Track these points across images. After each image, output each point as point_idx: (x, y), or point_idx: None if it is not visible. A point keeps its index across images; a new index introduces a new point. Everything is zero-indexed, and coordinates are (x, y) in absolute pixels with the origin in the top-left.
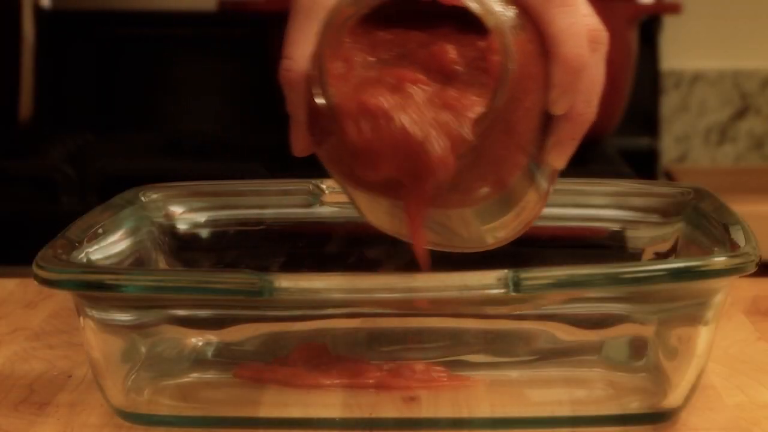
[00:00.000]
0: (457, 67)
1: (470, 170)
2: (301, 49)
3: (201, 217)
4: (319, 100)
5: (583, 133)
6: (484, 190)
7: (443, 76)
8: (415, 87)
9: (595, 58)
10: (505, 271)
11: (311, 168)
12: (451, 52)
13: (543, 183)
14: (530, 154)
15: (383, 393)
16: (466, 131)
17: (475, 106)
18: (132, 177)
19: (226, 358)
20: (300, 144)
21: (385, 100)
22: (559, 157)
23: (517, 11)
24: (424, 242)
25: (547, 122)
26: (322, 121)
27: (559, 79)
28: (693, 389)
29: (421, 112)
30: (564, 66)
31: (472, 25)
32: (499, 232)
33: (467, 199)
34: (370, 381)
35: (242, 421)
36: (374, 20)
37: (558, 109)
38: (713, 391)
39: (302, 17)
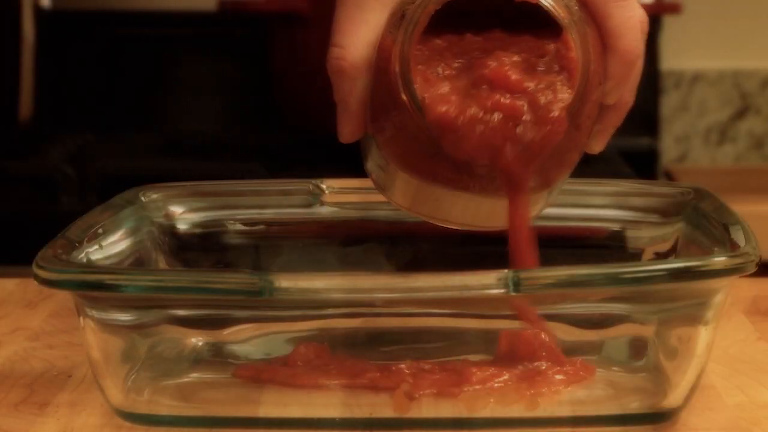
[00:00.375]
0: (528, 85)
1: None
2: (352, 38)
3: (201, 217)
4: (403, 96)
5: (623, 119)
6: (550, 178)
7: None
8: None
9: (643, 47)
10: (505, 271)
11: (311, 168)
12: (514, 73)
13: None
14: (585, 145)
15: (383, 393)
16: (559, 123)
17: (557, 104)
18: (132, 177)
19: (226, 358)
20: (347, 130)
21: (480, 97)
22: (601, 144)
23: (579, 5)
24: (529, 228)
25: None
26: (389, 111)
27: (615, 71)
28: (693, 389)
29: (515, 108)
30: (622, 59)
31: (523, 19)
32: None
33: (539, 187)
34: (370, 381)
35: (242, 421)
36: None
37: (611, 100)
38: (713, 391)
39: (352, 6)
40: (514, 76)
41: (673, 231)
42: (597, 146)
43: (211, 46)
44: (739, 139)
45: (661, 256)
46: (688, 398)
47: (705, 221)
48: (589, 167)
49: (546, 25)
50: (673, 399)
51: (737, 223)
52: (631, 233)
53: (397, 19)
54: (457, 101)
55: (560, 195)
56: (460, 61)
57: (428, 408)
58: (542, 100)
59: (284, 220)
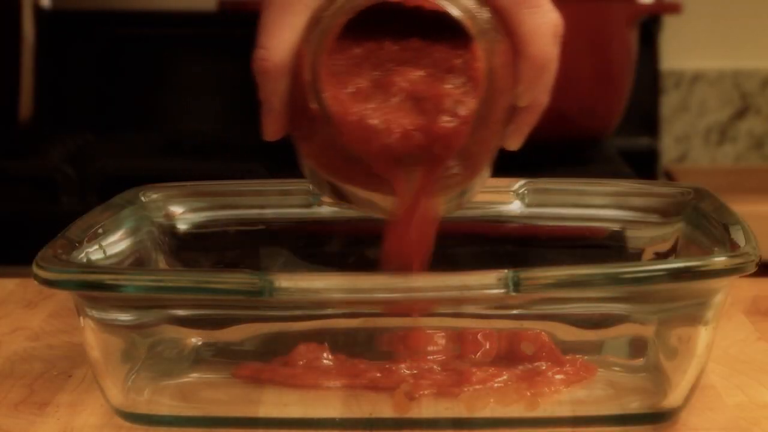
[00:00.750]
0: (430, 98)
1: (453, 165)
2: (275, 40)
3: (201, 217)
4: (313, 105)
5: (538, 118)
6: (461, 179)
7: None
8: (408, 97)
9: (555, 50)
10: (505, 271)
11: None
12: (406, 123)
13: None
14: (498, 144)
15: (383, 393)
16: (457, 132)
17: (462, 109)
18: (132, 177)
19: (226, 358)
20: (271, 129)
21: (386, 111)
22: (516, 142)
23: (490, 13)
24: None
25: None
26: (305, 116)
27: (526, 75)
28: (693, 389)
29: (417, 116)
30: (533, 64)
31: (442, 23)
32: (449, 204)
33: (450, 186)
34: (370, 381)
35: (242, 421)
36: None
37: (524, 102)
38: (713, 391)
39: (278, 9)
40: (406, 122)
41: (673, 231)
42: (513, 144)
43: (211, 46)
44: (739, 139)
45: (661, 256)
46: (688, 398)
47: (705, 221)
48: (589, 167)
49: (460, 31)
50: (673, 399)
51: (737, 223)
52: (631, 233)
53: (313, 25)
54: (365, 115)
55: (560, 195)
56: (375, 73)
57: (428, 408)
58: (442, 119)
59: (284, 220)
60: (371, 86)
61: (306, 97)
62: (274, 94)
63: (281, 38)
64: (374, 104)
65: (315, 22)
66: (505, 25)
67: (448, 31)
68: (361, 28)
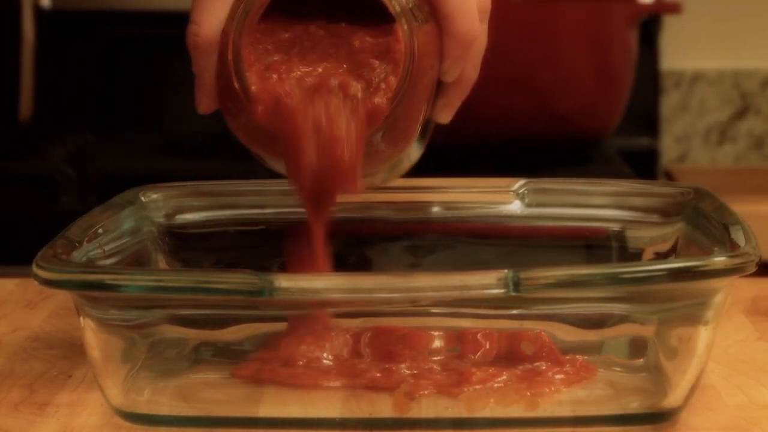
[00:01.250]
0: (355, 81)
1: (378, 141)
2: (207, 15)
3: (201, 217)
4: (236, 84)
5: (468, 92)
6: (390, 153)
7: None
8: (326, 81)
9: (482, 27)
10: (505, 271)
11: None
12: (344, 77)
13: (425, 136)
14: (425, 118)
15: (383, 393)
16: (375, 115)
17: (382, 91)
18: (132, 177)
19: (226, 358)
20: (204, 103)
21: (300, 94)
22: (447, 116)
23: None
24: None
25: (438, 86)
26: (230, 93)
27: (452, 52)
28: (693, 389)
29: (332, 102)
30: (457, 41)
31: (372, 3)
32: (382, 176)
33: (377, 162)
34: (370, 381)
35: (242, 421)
36: (271, 11)
37: (450, 78)
38: (713, 391)
39: None
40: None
41: (673, 231)
42: (443, 118)
43: None
44: (739, 139)
45: (661, 256)
46: (688, 398)
47: (705, 221)
48: (589, 167)
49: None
50: (673, 399)
51: (737, 223)
52: (631, 233)
53: (238, 4)
54: (282, 101)
55: (560, 195)
56: (299, 63)
57: (428, 408)
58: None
59: (284, 220)
60: (292, 74)
61: (229, 76)
62: (205, 69)
63: (212, 14)
64: (292, 92)
65: (239, 1)
66: (430, 4)
67: (377, 12)
68: (297, 9)
